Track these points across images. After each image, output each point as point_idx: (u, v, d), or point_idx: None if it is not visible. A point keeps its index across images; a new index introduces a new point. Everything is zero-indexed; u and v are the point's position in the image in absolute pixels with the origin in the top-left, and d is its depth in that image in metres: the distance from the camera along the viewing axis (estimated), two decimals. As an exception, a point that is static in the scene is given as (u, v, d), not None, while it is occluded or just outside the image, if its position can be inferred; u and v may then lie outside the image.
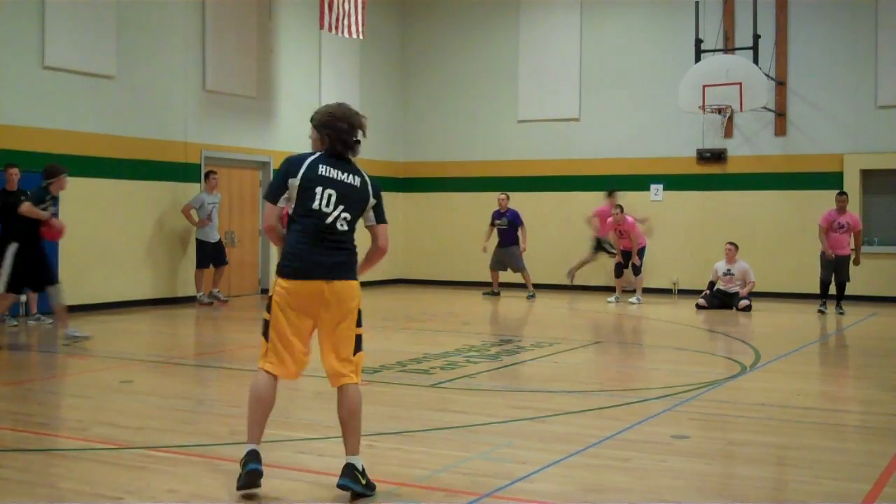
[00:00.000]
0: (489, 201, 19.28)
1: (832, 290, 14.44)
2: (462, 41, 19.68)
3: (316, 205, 4.95)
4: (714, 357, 9.98)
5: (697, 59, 16.32)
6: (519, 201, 18.94)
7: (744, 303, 14.58)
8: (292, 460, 5.62)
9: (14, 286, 10.19)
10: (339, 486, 4.83)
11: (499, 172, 19.17)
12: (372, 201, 5.21)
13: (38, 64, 13.11)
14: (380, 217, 5.28)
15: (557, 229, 18.66)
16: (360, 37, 16.92)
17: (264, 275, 16.97)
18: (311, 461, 5.58)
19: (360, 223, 5.28)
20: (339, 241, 5.04)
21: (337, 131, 5.30)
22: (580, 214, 18.40)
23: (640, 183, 18.01)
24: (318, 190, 4.97)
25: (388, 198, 20.91)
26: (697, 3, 16.55)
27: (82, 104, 13.71)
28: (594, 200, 18.13)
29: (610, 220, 16.34)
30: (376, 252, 5.32)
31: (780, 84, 16.91)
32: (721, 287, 15.02)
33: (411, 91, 20.21)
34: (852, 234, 14.28)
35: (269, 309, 5.02)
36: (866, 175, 16.53)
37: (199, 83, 15.50)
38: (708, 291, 15.13)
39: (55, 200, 10.49)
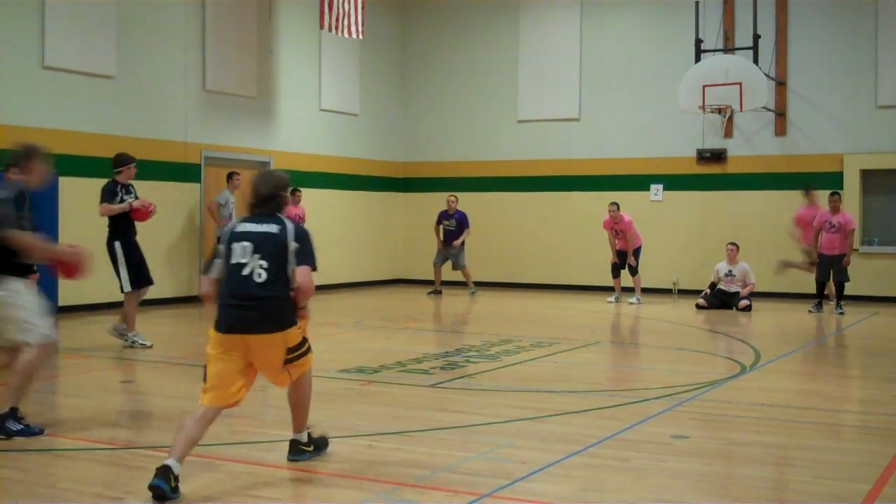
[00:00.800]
0: (489, 201, 19.31)
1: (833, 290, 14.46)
2: (462, 41, 19.68)
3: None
4: (714, 357, 9.98)
5: (697, 59, 16.31)
6: (519, 201, 18.97)
7: (744, 303, 14.58)
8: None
9: (139, 280, 10.24)
10: (289, 460, 5.47)
11: (499, 172, 19.17)
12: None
13: (38, 64, 13.11)
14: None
15: (557, 229, 18.65)
16: (360, 37, 16.93)
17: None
18: (312, 461, 5.57)
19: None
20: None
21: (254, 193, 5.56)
22: (580, 214, 18.41)
23: (640, 183, 18.01)
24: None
25: (388, 198, 21.09)
26: (697, 3, 16.55)
27: (82, 104, 13.71)
28: (594, 200, 18.13)
29: (615, 221, 16.14)
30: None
31: (780, 84, 16.90)
32: (722, 287, 15.03)
33: (411, 91, 20.21)
34: (844, 234, 14.26)
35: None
36: (866, 175, 16.52)
37: (199, 83, 15.50)
38: (709, 291, 15.13)
39: (128, 188, 10.39)
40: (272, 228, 5.34)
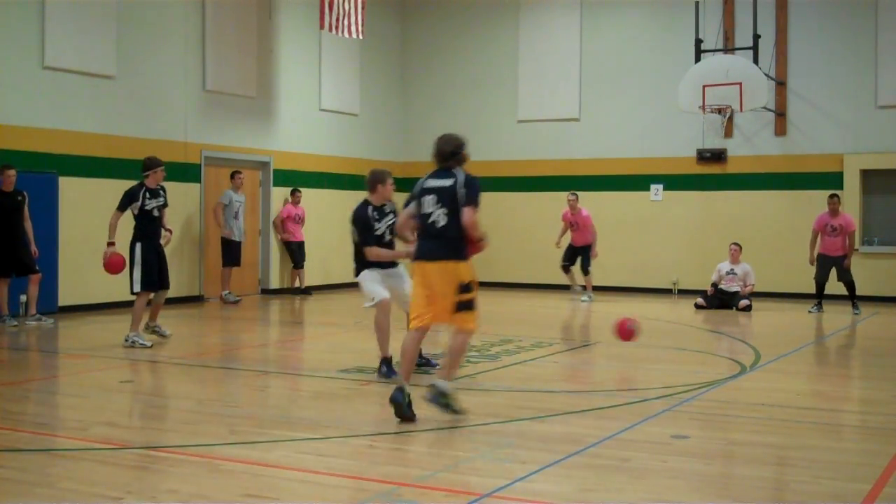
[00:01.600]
0: (489, 201, 19.24)
1: (836, 289, 14.45)
2: (462, 41, 19.68)
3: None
4: (714, 357, 9.98)
5: (697, 59, 16.31)
6: (519, 201, 18.96)
7: (744, 302, 14.58)
8: (292, 460, 5.62)
9: (148, 284, 10.26)
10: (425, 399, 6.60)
11: (499, 172, 19.16)
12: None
13: (38, 64, 13.11)
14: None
15: (557, 229, 18.63)
16: (360, 37, 16.93)
17: (264, 275, 16.98)
18: (311, 461, 5.57)
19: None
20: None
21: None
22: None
23: (640, 183, 18.01)
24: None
25: (388, 198, 20.67)
26: (697, 3, 16.55)
27: (82, 104, 13.70)
28: (594, 200, 18.12)
29: (573, 213, 16.19)
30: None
31: (780, 84, 16.90)
32: (722, 286, 15.03)
33: (411, 91, 20.21)
34: (846, 236, 14.24)
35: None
36: (866, 175, 16.52)
37: (199, 83, 15.50)
38: (711, 290, 15.11)
39: (155, 193, 10.33)
40: (447, 182, 6.71)
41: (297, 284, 17.01)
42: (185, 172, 15.14)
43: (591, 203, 18.16)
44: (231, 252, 15.40)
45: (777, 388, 8.15)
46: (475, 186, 6.71)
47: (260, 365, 9.41)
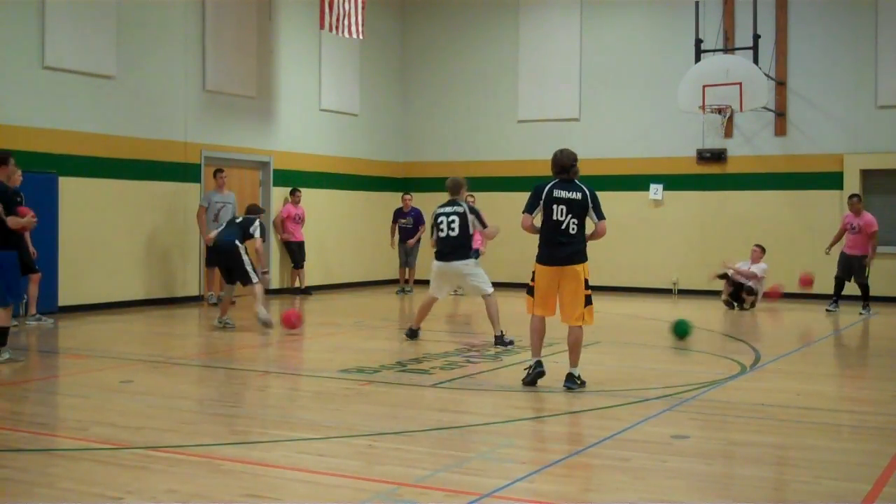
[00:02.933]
0: (489, 201, 19.28)
1: (851, 290, 14.42)
2: (462, 41, 19.68)
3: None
4: (714, 357, 9.97)
5: (697, 59, 16.31)
6: (519, 201, 18.88)
7: (750, 290, 14.60)
8: (292, 460, 5.62)
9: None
10: (564, 387, 7.75)
11: (499, 172, 19.16)
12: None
13: (38, 64, 13.11)
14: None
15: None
16: (360, 37, 16.92)
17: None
18: (311, 461, 5.58)
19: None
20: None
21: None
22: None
23: (640, 183, 18.01)
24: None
25: (388, 198, 21.03)
26: (697, 3, 16.55)
27: (82, 104, 13.70)
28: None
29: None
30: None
31: (780, 84, 16.90)
32: (735, 278, 14.98)
33: (411, 91, 20.21)
34: (867, 236, 14.19)
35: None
36: (866, 175, 16.52)
37: (199, 83, 15.50)
38: (728, 285, 15.00)
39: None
40: (577, 196, 7.77)
41: (297, 284, 17.01)
42: (185, 172, 15.14)
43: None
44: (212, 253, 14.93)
45: (777, 388, 8.15)
46: (599, 199, 7.98)
47: (260, 365, 9.41)
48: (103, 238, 13.91)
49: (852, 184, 16.38)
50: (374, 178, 19.46)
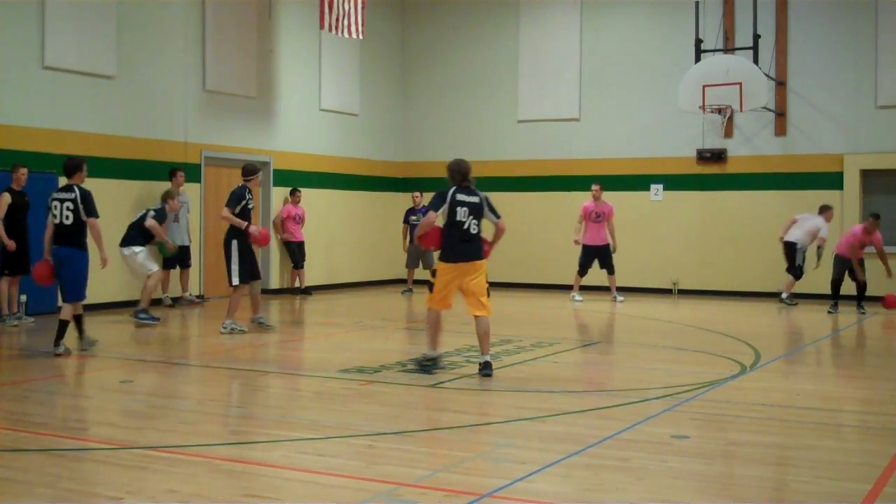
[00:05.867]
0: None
1: (850, 290, 14.41)
2: (462, 41, 19.68)
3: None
4: (714, 357, 9.98)
5: (697, 59, 16.31)
6: (519, 201, 18.96)
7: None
8: (292, 460, 5.62)
9: (244, 277, 11.36)
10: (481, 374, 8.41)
11: (499, 172, 19.16)
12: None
13: (38, 64, 13.11)
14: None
15: (557, 229, 18.65)
16: (360, 37, 16.92)
17: (264, 275, 16.91)
18: (311, 461, 5.58)
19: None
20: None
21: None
22: (580, 215, 18.40)
23: (640, 183, 18.01)
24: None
25: (388, 198, 21.02)
26: (697, 3, 16.55)
27: (82, 104, 13.70)
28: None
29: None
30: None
31: (780, 84, 16.90)
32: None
33: (411, 91, 20.21)
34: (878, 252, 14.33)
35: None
36: (866, 175, 16.52)
37: (199, 83, 15.50)
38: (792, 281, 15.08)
39: (252, 195, 11.47)
40: (476, 199, 8.70)
41: (297, 284, 17.01)
42: (186, 172, 15.12)
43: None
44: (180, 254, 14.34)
45: (777, 388, 8.15)
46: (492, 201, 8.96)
47: (260, 365, 9.42)
48: (103, 238, 13.86)
49: (852, 184, 16.38)
50: (374, 178, 19.46)
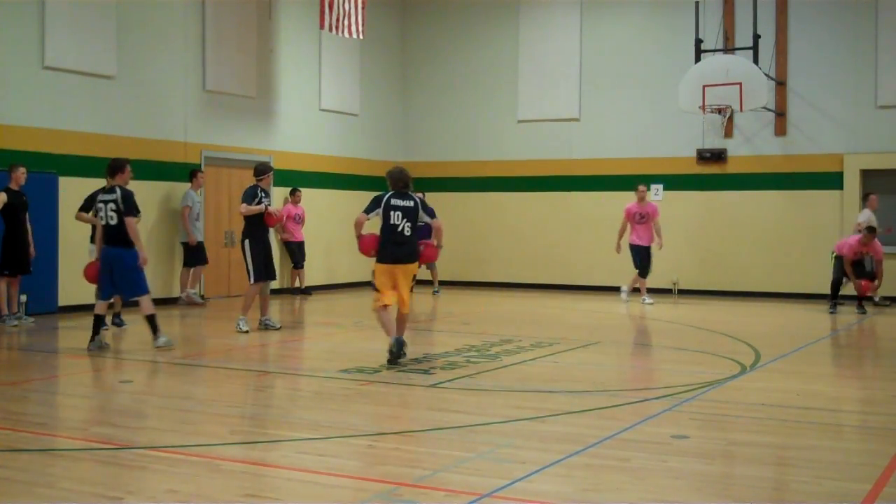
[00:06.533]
0: (489, 201, 19.31)
1: (851, 290, 14.40)
2: (462, 41, 19.68)
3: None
4: (714, 357, 9.97)
5: (697, 59, 16.31)
6: (519, 201, 18.98)
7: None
8: (292, 460, 5.62)
9: (259, 276, 11.47)
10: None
11: (499, 172, 19.17)
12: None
13: (38, 64, 13.11)
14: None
15: (557, 229, 18.66)
16: (360, 37, 16.92)
17: (264, 275, 16.95)
18: (311, 461, 5.58)
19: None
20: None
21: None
22: (580, 214, 18.42)
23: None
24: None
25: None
26: (697, 3, 16.55)
27: (82, 104, 13.70)
28: (594, 200, 18.16)
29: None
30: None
31: (780, 84, 16.90)
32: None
33: (411, 91, 20.21)
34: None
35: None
36: (866, 175, 16.52)
37: (199, 83, 15.50)
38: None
39: (267, 194, 11.54)
40: (410, 203, 9.08)
41: (297, 284, 17.01)
42: (186, 172, 15.14)
43: (592, 203, 18.20)
44: (198, 252, 14.95)
45: (777, 388, 8.15)
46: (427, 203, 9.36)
47: (260, 365, 9.41)
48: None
49: (852, 184, 16.38)
50: (374, 179, 19.43)
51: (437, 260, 9.60)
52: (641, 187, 15.98)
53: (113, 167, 10.06)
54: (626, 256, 17.33)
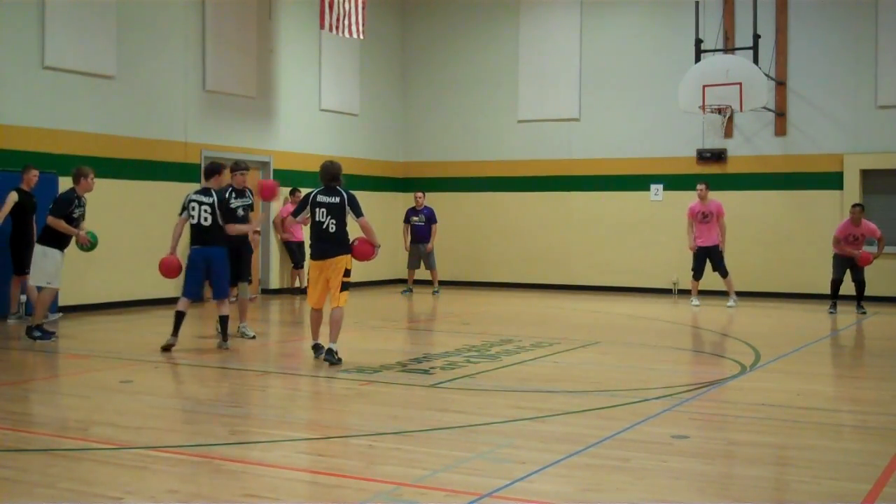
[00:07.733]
0: (489, 201, 19.31)
1: (851, 290, 14.40)
2: (462, 41, 19.69)
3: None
4: (714, 357, 9.98)
5: (697, 59, 16.31)
6: (519, 201, 18.98)
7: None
8: (292, 460, 5.62)
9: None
10: (324, 359, 8.95)
11: (499, 172, 19.17)
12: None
13: (38, 64, 13.11)
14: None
15: (557, 229, 18.66)
16: (360, 37, 16.92)
17: (264, 275, 16.97)
18: (311, 461, 5.58)
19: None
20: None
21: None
22: (580, 214, 18.42)
23: (640, 183, 18.01)
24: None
25: (388, 198, 21.03)
26: (697, 3, 16.55)
27: (82, 104, 13.70)
28: (594, 200, 18.16)
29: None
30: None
31: (780, 84, 16.90)
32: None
33: (411, 91, 20.21)
34: (877, 241, 14.18)
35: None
36: (866, 175, 16.52)
37: (199, 83, 15.50)
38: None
39: (241, 193, 10.75)
40: (336, 200, 9.09)
41: (297, 284, 17.01)
42: (186, 172, 15.14)
43: (592, 203, 18.20)
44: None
45: (777, 388, 8.15)
46: (357, 200, 9.21)
47: (260, 365, 9.42)
48: (103, 238, 13.80)
49: (852, 184, 16.38)
50: (374, 178, 19.45)
51: (374, 257, 9.31)
52: (701, 185, 15.47)
53: (209, 170, 10.29)
54: (626, 257, 17.34)
